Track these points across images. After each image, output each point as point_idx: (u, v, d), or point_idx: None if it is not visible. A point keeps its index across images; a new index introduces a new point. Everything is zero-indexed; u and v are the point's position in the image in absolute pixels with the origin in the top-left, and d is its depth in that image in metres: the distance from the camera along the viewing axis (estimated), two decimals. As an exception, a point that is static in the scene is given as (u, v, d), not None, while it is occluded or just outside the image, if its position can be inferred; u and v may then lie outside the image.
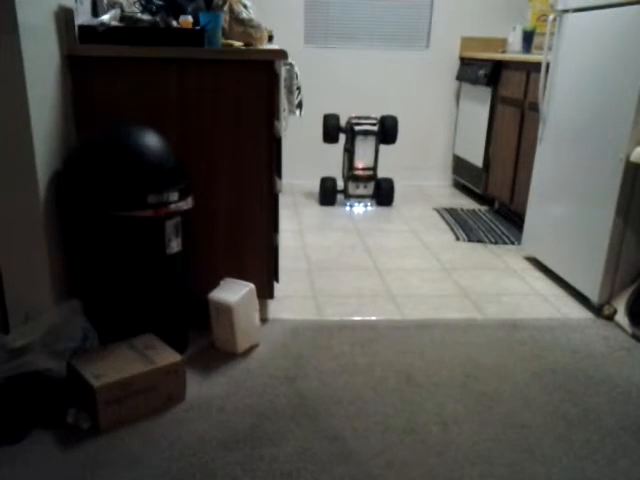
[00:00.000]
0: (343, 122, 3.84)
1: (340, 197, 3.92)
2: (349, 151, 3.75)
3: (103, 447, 1.51)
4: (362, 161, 3.73)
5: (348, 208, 3.78)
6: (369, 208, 3.79)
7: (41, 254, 1.70)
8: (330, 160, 4.39)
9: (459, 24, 4.23)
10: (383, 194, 3.85)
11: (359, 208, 3.79)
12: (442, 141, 4.47)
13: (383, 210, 3.78)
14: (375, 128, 3.69)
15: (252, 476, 1.43)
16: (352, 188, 3.80)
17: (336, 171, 4.35)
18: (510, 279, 2.72)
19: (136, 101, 1.88)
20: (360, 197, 3.82)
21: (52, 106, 1.73)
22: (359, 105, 4.32)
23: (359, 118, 3.72)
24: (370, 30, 4.21)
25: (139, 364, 1.64)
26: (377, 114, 4.33)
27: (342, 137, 3.87)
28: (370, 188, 3.80)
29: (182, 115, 1.92)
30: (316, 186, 4.17)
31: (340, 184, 3.93)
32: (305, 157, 4.39)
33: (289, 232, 3.29)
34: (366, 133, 3.69)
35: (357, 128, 3.67)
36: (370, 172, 3.76)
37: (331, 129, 3.74)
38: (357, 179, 3.76)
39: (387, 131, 3.71)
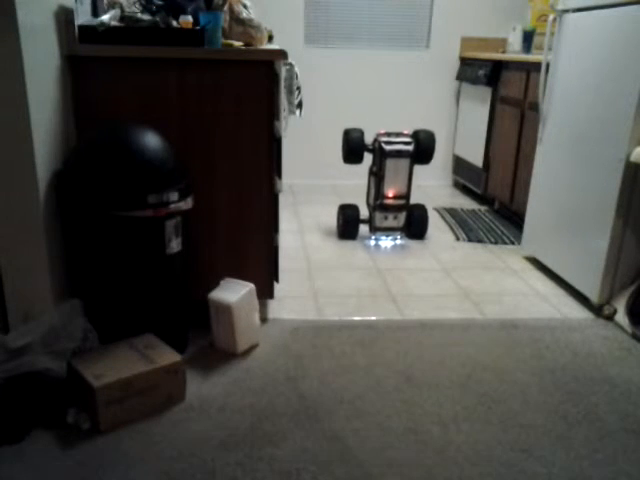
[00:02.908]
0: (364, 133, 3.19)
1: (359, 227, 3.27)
2: (377, 175, 3.07)
3: (103, 447, 1.51)
4: (393, 188, 3.05)
5: (373, 242, 3.15)
6: (398, 242, 3.16)
7: (41, 254, 1.70)
8: (332, 163, 4.39)
9: (459, 24, 4.23)
10: (415, 225, 3.19)
11: (387, 242, 3.16)
12: (442, 141, 4.47)
13: (416, 245, 3.15)
14: (410, 148, 3.00)
15: (252, 476, 1.43)
16: (379, 219, 3.11)
17: (335, 170, 4.35)
18: (510, 279, 2.72)
19: (136, 101, 1.88)
20: (388, 230, 3.15)
21: (52, 106, 1.73)
22: (359, 105, 4.32)
23: (389, 135, 3.05)
24: (370, 30, 4.21)
25: (139, 364, 1.64)
26: (378, 114, 4.34)
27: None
28: (401, 219, 3.11)
29: (182, 115, 1.92)
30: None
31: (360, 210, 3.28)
32: (306, 162, 4.39)
33: (289, 232, 3.29)
34: (399, 154, 3.00)
35: (387, 148, 2.98)
36: (402, 201, 3.08)
37: (355, 147, 3.07)
38: (386, 209, 3.08)
39: (422, 149, 3.04)
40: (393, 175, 3.04)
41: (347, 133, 3.10)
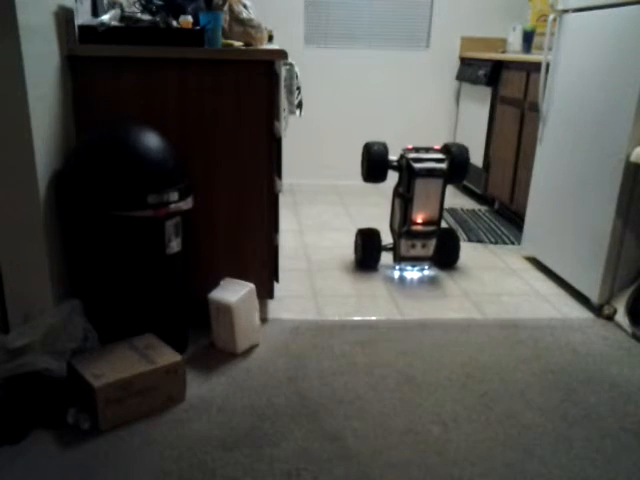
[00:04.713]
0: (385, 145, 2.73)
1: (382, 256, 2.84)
2: (404, 197, 2.64)
3: (103, 447, 1.51)
4: (423, 212, 2.61)
5: (397, 273, 2.75)
6: (426, 273, 2.76)
7: (41, 254, 1.70)
8: (332, 162, 4.39)
9: (459, 24, 4.23)
10: (445, 253, 2.79)
11: (413, 273, 2.75)
12: (442, 141, 4.47)
13: (447, 277, 2.73)
14: (443, 166, 2.56)
15: (252, 476, 1.43)
16: (405, 248, 2.68)
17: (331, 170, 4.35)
18: (510, 279, 2.72)
19: (136, 101, 1.88)
20: (416, 259, 2.72)
21: (52, 106, 1.73)
22: (359, 105, 4.31)
23: (418, 151, 2.63)
24: (370, 30, 4.21)
25: (139, 364, 1.64)
26: (378, 114, 4.34)
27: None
28: (430, 247, 2.68)
29: (182, 115, 1.92)
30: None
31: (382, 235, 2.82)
32: (306, 162, 4.39)
33: (289, 232, 3.29)
34: (431, 174, 2.56)
35: (417, 166, 2.54)
36: (432, 227, 2.64)
37: (377, 164, 2.65)
38: (414, 236, 2.65)
39: (456, 167, 2.64)
40: (423, 197, 2.59)
41: (368, 147, 2.66)
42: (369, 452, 1.53)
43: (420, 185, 2.57)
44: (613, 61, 2.23)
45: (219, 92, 1.91)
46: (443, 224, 3.47)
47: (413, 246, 2.69)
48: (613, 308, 2.30)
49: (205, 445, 1.53)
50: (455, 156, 2.64)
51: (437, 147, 2.71)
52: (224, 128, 1.95)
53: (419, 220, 2.64)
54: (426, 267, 2.78)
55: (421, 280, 2.66)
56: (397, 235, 2.74)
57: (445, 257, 2.81)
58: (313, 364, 1.93)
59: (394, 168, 2.70)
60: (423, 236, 2.66)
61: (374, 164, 2.65)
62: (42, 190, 1.67)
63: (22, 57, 1.53)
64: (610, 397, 1.81)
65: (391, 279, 2.66)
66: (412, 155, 2.60)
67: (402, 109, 4.36)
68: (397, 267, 2.79)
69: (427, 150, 2.66)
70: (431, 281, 2.65)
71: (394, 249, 2.78)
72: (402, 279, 2.67)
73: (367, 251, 2.76)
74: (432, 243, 2.69)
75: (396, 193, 2.74)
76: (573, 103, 2.50)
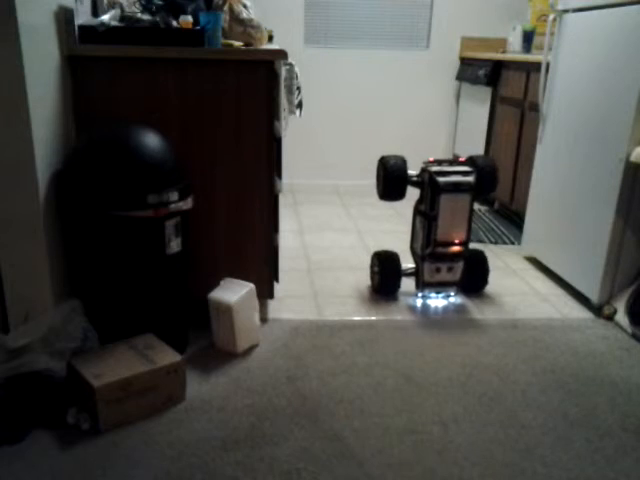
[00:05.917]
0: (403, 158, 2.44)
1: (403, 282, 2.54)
2: (427, 216, 2.35)
3: (103, 447, 1.51)
4: (449, 232, 2.34)
5: (419, 301, 2.46)
6: (452, 300, 2.48)
7: (41, 254, 1.70)
8: (332, 163, 4.39)
9: (459, 24, 4.23)
10: (472, 277, 2.52)
11: (438, 301, 2.46)
12: (442, 141, 4.47)
13: (471, 302, 2.47)
14: (470, 179, 2.29)
15: (252, 476, 1.43)
16: (429, 272, 2.40)
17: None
18: (510, 279, 2.72)
19: (136, 101, 1.88)
20: (440, 285, 2.44)
21: (52, 106, 1.73)
22: (359, 105, 4.31)
23: (441, 164, 2.37)
24: (370, 30, 4.21)
25: (139, 364, 1.64)
26: (378, 114, 4.34)
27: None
28: (457, 272, 2.41)
29: (182, 115, 1.92)
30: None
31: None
32: (306, 162, 4.39)
33: (289, 232, 3.29)
34: (457, 189, 2.29)
35: (442, 180, 2.27)
36: (460, 248, 2.39)
37: (395, 180, 2.36)
38: (439, 258, 2.37)
39: (484, 180, 2.36)
40: (449, 215, 2.32)
41: (384, 162, 2.38)
42: (369, 452, 1.53)
43: (445, 201, 2.30)
44: (613, 61, 2.23)
45: (219, 92, 1.91)
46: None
47: (438, 270, 2.40)
48: (613, 308, 2.30)
49: (205, 445, 1.53)
50: (482, 168, 2.36)
51: (462, 159, 2.46)
52: (224, 128, 1.95)
53: (445, 241, 2.36)
54: (452, 293, 2.48)
55: (446, 308, 2.41)
56: (419, 258, 2.43)
57: (472, 281, 2.53)
58: (313, 364, 1.93)
59: (414, 184, 2.41)
60: (449, 259, 2.39)
61: (392, 181, 2.37)
62: (42, 190, 1.67)
63: (22, 57, 1.53)
64: (610, 397, 1.81)
65: (413, 308, 2.40)
66: (435, 168, 2.33)
67: (402, 109, 4.36)
68: (419, 294, 2.48)
69: (451, 163, 2.40)
70: (457, 307, 2.42)
71: (416, 274, 2.49)
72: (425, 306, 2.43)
73: (385, 277, 2.48)
74: (459, 266, 2.42)
75: (417, 211, 2.45)
76: (573, 103, 2.50)
